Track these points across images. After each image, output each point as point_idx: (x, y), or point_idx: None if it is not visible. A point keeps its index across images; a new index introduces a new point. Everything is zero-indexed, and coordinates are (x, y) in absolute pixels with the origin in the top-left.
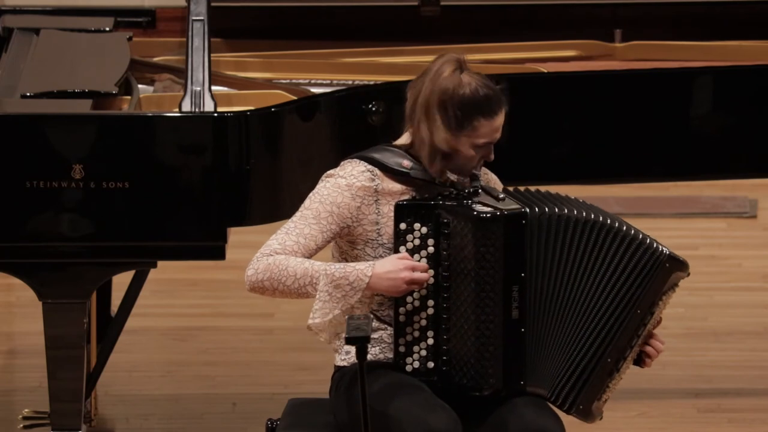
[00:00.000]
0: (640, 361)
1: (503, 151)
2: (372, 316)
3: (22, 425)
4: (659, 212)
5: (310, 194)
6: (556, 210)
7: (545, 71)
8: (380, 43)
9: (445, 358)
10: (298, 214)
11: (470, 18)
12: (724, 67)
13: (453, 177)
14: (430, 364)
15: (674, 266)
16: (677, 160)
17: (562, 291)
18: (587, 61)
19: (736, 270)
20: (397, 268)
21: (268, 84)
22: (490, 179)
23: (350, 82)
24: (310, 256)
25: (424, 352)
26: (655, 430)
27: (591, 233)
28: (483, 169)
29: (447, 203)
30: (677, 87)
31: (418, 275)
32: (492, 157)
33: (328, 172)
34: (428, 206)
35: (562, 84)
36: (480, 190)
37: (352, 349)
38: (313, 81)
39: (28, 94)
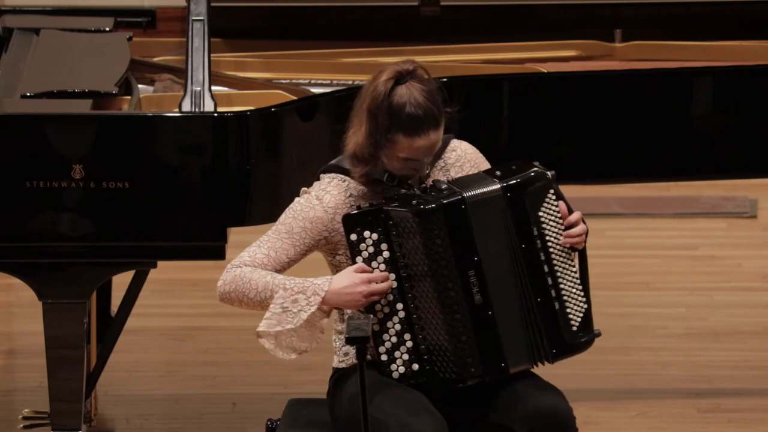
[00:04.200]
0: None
1: (504, 151)
2: (372, 316)
3: (22, 425)
4: (659, 212)
5: (286, 210)
6: (493, 187)
7: (545, 71)
8: (380, 43)
9: (426, 357)
10: (272, 228)
11: (470, 18)
12: (724, 67)
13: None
14: (415, 366)
15: (516, 191)
16: (677, 160)
17: (506, 265)
18: (587, 61)
19: (736, 270)
20: (354, 282)
21: (268, 84)
22: (466, 160)
23: (350, 82)
24: (281, 270)
25: (406, 356)
26: (655, 430)
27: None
28: (460, 144)
29: (391, 205)
30: (677, 87)
31: (375, 287)
32: (423, 171)
33: (303, 188)
34: (373, 212)
35: (562, 84)
36: (427, 186)
37: (350, 350)
38: (313, 81)
39: (28, 94)
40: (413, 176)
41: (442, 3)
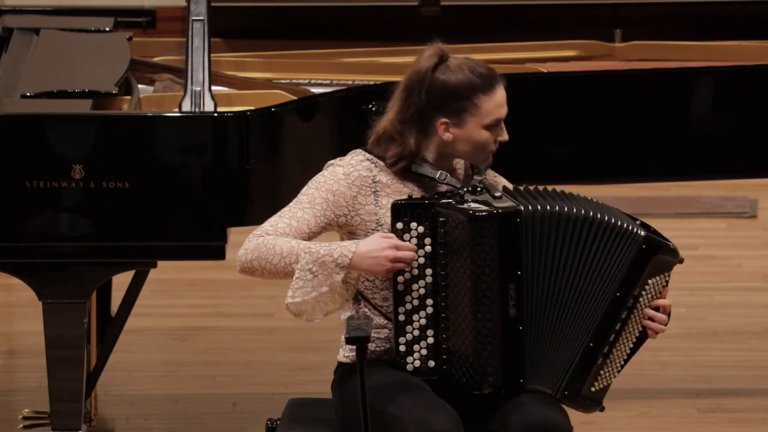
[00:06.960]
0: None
1: (503, 151)
2: (372, 316)
3: (22, 425)
4: (659, 212)
5: (309, 181)
6: (550, 207)
7: (545, 71)
8: (380, 43)
9: (445, 356)
10: (294, 199)
11: (470, 18)
12: (724, 67)
13: (459, 168)
14: (431, 363)
15: (652, 248)
16: (677, 160)
17: (557, 288)
18: (587, 61)
19: (736, 270)
20: (381, 246)
21: (268, 84)
22: (498, 183)
23: (350, 82)
24: (302, 240)
25: (424, 351)
26: (655, 430)
27: (583, 228)
28: (491, 173)
29: (443, 202)
30: (677, 87)
31: (402, 254)
32: (506, 136)
33: (330, 161)
34: (424, 205)
35: (562, 84)
36: (478, 188)
37: None
38: (313, 81)
39: (28, 94)
40: (493, 150)
41: (442, 3)
